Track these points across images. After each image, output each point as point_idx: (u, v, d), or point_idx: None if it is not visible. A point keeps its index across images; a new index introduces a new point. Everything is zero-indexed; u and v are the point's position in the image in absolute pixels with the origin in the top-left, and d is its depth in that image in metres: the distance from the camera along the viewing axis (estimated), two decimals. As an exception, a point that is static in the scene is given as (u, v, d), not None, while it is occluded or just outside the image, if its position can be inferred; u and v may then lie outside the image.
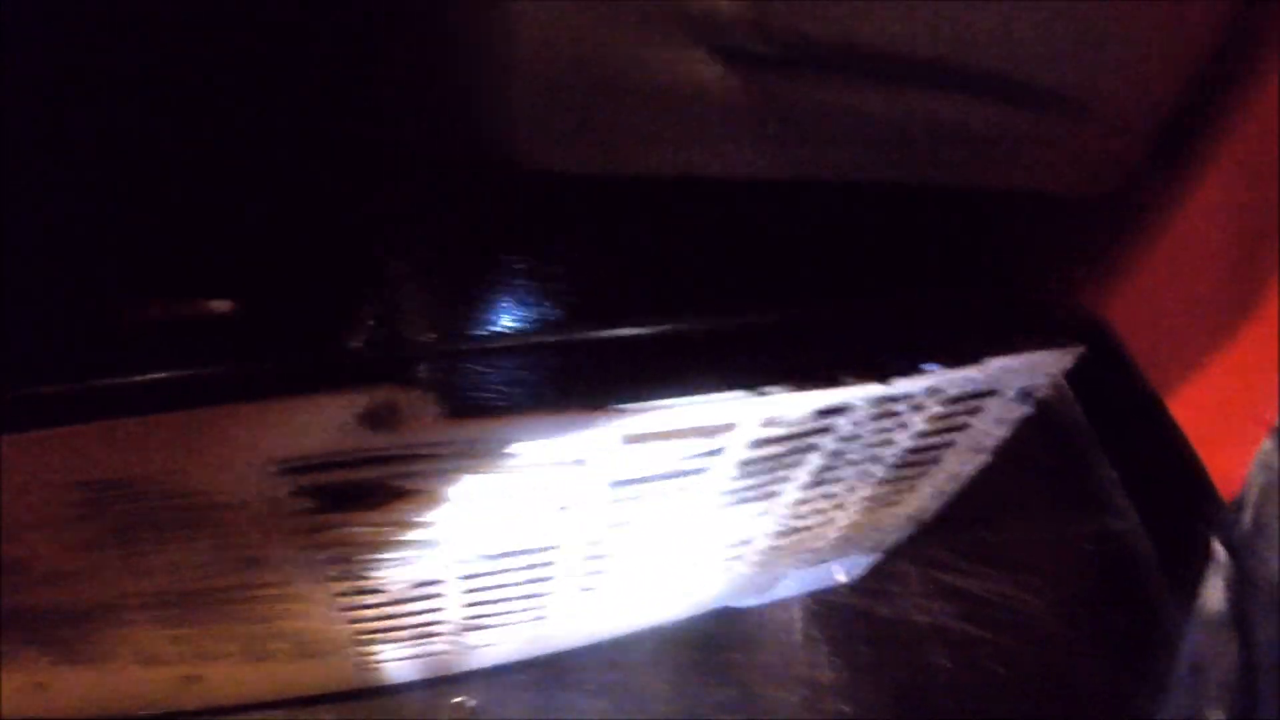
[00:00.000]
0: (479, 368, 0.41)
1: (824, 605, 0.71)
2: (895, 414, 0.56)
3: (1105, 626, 0.76)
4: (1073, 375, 0.78)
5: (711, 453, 0.50)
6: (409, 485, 0.46)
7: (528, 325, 0.42)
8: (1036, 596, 0.75)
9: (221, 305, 0.35)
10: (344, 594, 0.52)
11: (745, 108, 0.32)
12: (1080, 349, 0.63)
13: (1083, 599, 0.77)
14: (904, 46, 0.33)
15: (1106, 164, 0.55)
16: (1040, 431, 0.75)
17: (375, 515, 0.46)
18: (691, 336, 0.46)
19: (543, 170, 0.31)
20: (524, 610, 0.59)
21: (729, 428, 0.49)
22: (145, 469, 0.44)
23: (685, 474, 0.51)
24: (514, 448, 0.44)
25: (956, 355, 0.55)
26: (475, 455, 0.44)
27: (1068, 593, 0.77)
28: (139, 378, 0.41)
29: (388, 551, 0.49)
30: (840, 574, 0.72)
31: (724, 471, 0.52)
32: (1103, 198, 0.61)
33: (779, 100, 0.33)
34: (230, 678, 0.62)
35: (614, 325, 0.44)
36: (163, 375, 0.41)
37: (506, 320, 0.41)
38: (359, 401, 0.40)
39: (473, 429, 0.42)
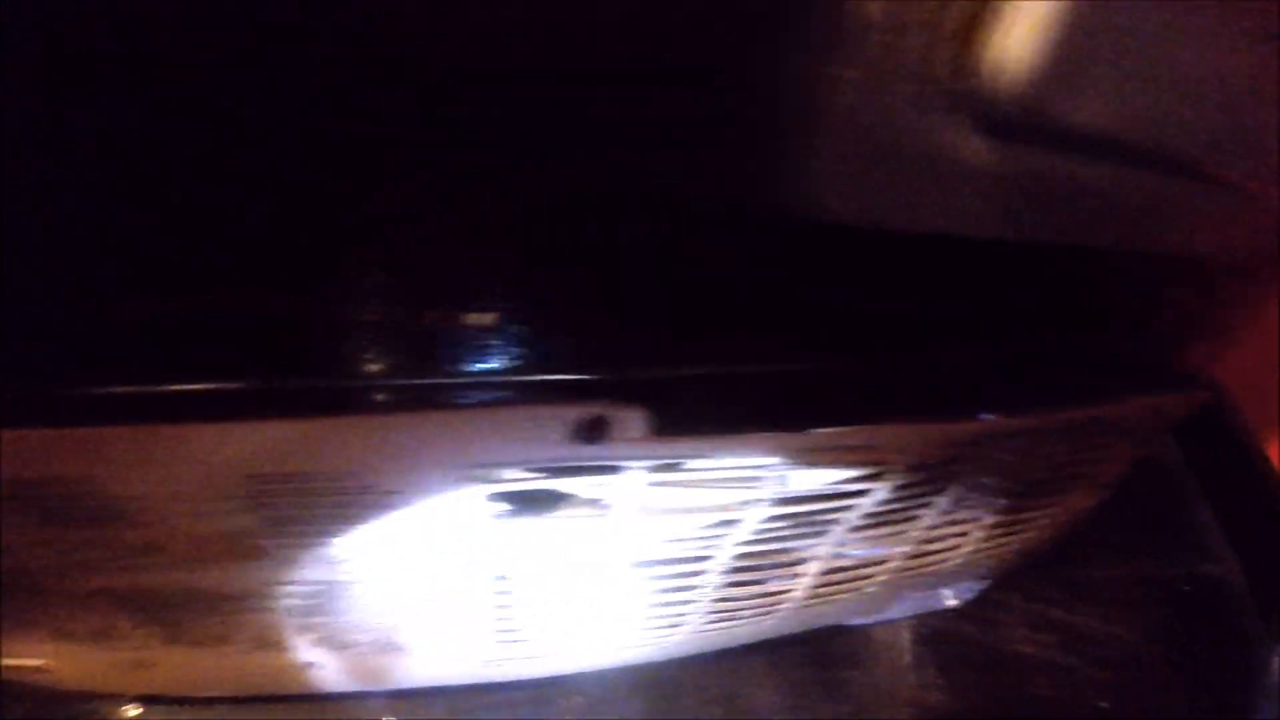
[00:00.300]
0: (684, 390, 0.42)
1: (932, 629, 0.72)
2: (1033, 449, 0.57)
3: (1201, 665, 0.76)
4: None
5: (874, 474, 0.51)
6: (589, 495, 0.46)
7: (732, 352, 0.43)
8: (1136, 633, 0.75)
9: (485, 318, 0.36)
10: (500, 593, 0.53)
11: (997, 175, 0.34)
12: (1202, 395, 0.64)
13: (1180, 637, 0.77)
14: (1131, 128, 0.35)
15: (1265, 234, 0.56)
16: (1142, 474, 0.76)
17: (555, 521, 0.47)
18: (876, 368, 0.47)
19: (833, 221, 0.33)
20: (659, 618, 0.60)
21: (898, 450, 0.49)
22: (335, 465, 0.45)
23: (848, 494, 0.52)
24: (702, 464, 0.45)
25: (1095, 395, 0.56)
26: (664, 470, 0.45)
27: (1165, 631, 0.77)
28: (347, 381, 0.42)
29: (553, 556, 0.50)
30: (950, 598, 0.72)
31: (880, 495, 0.53)
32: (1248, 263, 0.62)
33: (1024, 170, 0.35)
34: (349, 666, 0.63)
35: (804, 358, 0.45)
36: (373, 380, 0.42)
37: (713, 347, 0.42)
38: (573, 414, 0.40)
39: (675, 446, 0.42)
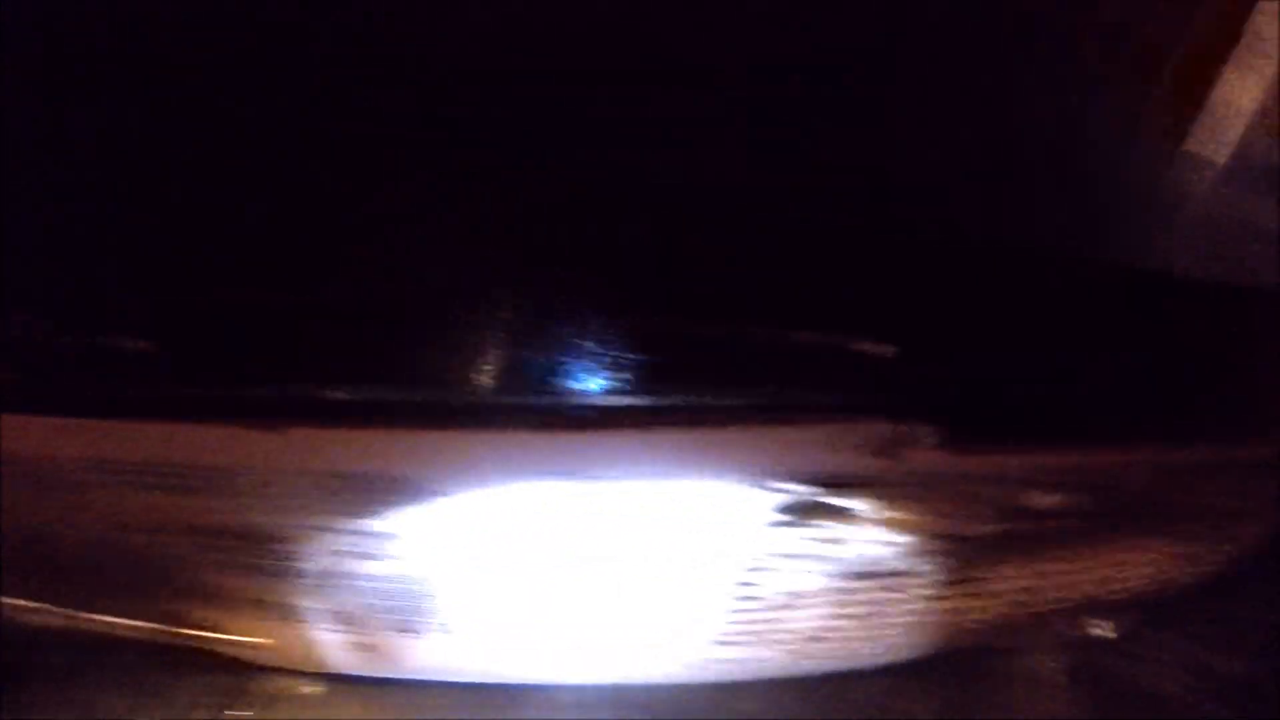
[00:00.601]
0: (970, 410, 0.46)
1: (1082, 658, 0.75)
2: (1217, 483, 0.61)
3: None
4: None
5: (1080, 497, 0.55)
6: (848, 506, 0.51)
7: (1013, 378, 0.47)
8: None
9: (883, 349, 0.40)
10: (742, 597, 0.56)
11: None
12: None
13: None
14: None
15: None
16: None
17: (815, 530, 0.51)
18: (1109, 401, 0.51)
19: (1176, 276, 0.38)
20: (855, 630, 0.63)
21: (1119, 473, 0.53)
22: (635, 471, 0.49)
23: (1053, 515, 0.56)
24: (961, 482, 0.49)
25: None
26: (925, 483, 0.49)
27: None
28: (664, 400, 0.46)
29: (798, 562, 0.54)
30: (1104, 629, 0.75)
31: (1078, 518, 0.57)
32: None
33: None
34: (569, 659, 0.66)
35: (1050, 388, 0.49)
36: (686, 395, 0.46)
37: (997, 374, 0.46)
38: (874, 430, 0.45)
39: (961, 461, 0.47)
